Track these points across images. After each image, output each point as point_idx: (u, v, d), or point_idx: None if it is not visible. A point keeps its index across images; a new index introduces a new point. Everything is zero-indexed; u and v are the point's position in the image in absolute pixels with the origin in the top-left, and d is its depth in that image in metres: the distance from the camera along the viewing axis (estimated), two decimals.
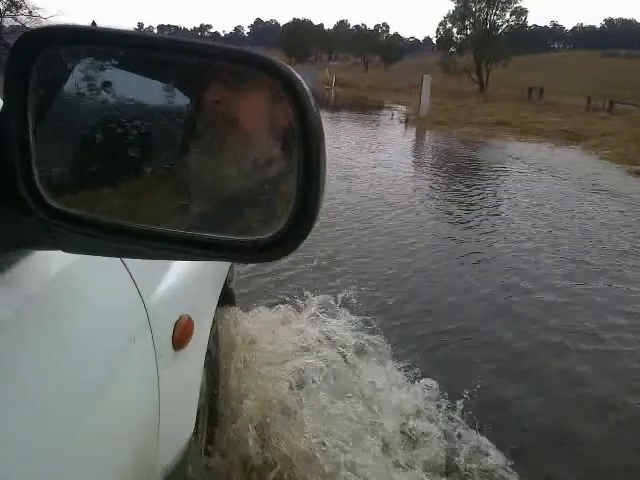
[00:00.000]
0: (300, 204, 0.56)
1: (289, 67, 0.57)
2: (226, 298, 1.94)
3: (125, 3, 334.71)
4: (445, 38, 36.40)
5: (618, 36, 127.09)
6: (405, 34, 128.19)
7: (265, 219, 0.60)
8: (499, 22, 35.41)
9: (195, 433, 1.29)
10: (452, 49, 37.34)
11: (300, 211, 0.56)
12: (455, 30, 36.18)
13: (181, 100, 0.63)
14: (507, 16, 35.31)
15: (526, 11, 34.89)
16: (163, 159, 0.62)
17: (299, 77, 0.57)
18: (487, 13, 35.19)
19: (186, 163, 0.63)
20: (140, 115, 0.61)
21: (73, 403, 0.71)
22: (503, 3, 34.63)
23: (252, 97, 0.61)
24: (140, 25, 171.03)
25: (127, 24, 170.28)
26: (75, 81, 0.61)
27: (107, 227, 0.61)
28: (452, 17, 35.79)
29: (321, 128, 0.56)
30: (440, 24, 36.48)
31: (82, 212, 0.61)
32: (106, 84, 0.60)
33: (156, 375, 0.96)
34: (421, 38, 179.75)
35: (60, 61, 0.60)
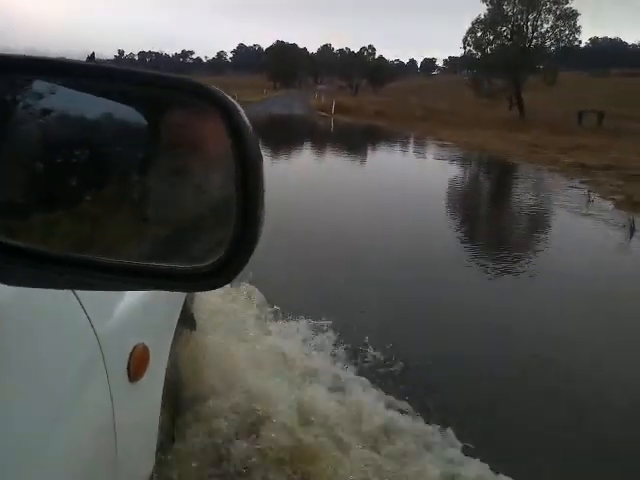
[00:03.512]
0: (239, 232, 0.55)
1: (223, 93, 0.55)
2: (187, 323, 1.81)
3: (104, 30, 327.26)
4: (475, 50, 27.48)
5: (600, 56, 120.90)
6: (389, 57, 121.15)
7: (207, 247, 0.58)
8: (543, 29, 26.53)
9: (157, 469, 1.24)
10: (472, 66, 28.58)
11: (239, 239, 0.55)
12: (487, 39, 27.20)
13: (123, 127, 0.61)
14: (550, 22, 26.38)
15: (577, 14, 26.05)
16: (107, 187, 0.60)
17: (234, 103, 0.55)
18: (526, 18, 26.43)
19: (131, 190, 0.60)
20: (82, 142, 0.59)
21: (21, 444, 0.67)
22: (549, 3, 25.78)
23: (196, 124, 0.59)
24: (120, 52, 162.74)
25: (107, 52, 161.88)
26: (15, 110, 0.59)
27: (54, 260, 0.58)
28: (484, 23, 27.00)
29: (259, 155, 0.55)
30: (469, 32, 27.56)
31: (25, 244, 0.58)
32: (45, 112, 0.59)
33: (111, 409, 0.90)
34: (405, 60, 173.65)
35: (6, 92, 0.58)
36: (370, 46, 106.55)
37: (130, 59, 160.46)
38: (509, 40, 26.94)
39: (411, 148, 17.17)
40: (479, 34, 27.45)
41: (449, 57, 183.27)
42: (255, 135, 0.55)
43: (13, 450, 0.65)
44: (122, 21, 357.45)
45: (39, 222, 0.61)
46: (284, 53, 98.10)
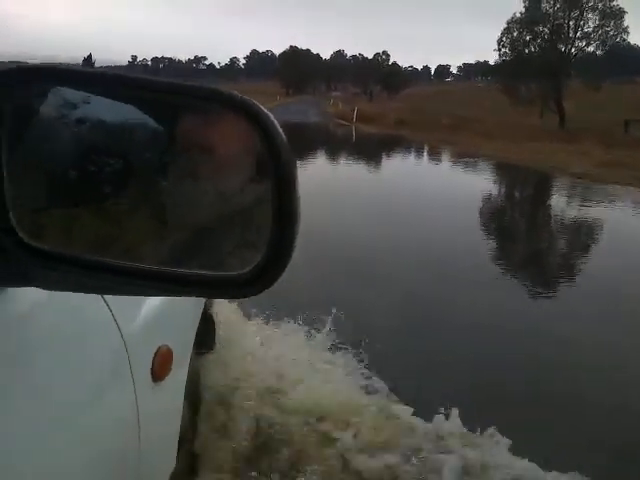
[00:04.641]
0: (275, 238, 0.54)
1: (259, 104, 0.56)
2: (205, 325, 1.79)
3: (118, 36, 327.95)
4: (512, 53, 24.46)
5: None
6: (402, 63, 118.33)
7: (241, 253, 0.59)
8: (586, 29, 23.52)
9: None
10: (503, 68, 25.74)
11: (276, 246, 0.54)
12: (523, 40, 24.22)
13: (154, 135, 0.62)
14: (593, 21, 23.39)
15: (624, 12, 23.07)
16: (137, 193, 0.61)
17: (268, 113, 0.55)
18: (568, 17, 23.46)
19: (160, 197, 0.61)
20: (113, 150, 0.61)
21: (51, 440, 0.69)
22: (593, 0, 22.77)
23: (225, 132, 0.60)
24: (133, 58, 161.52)
25: (120, 57, 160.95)
26: (49, 119, 0.61)
27: (83, 264, 0.59)
28: (520, 22, 24.09)
29: (294, 166, 0.55)
30: (505, 32, 24.62)
31: (58, 249, 0.60)
32: (78, 121, 0.61)
33: (135, 409, 0.92)
34: (419, 67, 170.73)
35: (33, 99, 0.60)
36: (384, 52, 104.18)
37: (143, 65, 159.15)
38: (548, 41, 24.01)
39: (469, 171, 13.01)
40: (515, 34, 24.56)
41: (463, 64, 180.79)
42: (288, 142, 0.54)
43: (39, 449, 0.66)
44: (135, 27, 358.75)
45: (66, 226, 0.62)
46: (297, 59, 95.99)
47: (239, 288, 0.57)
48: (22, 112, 0.59)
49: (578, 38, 23.81)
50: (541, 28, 24.16)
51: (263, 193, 0.55)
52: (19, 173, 0.59)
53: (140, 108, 0.61)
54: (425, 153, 17.28)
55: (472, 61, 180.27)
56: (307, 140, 18.84)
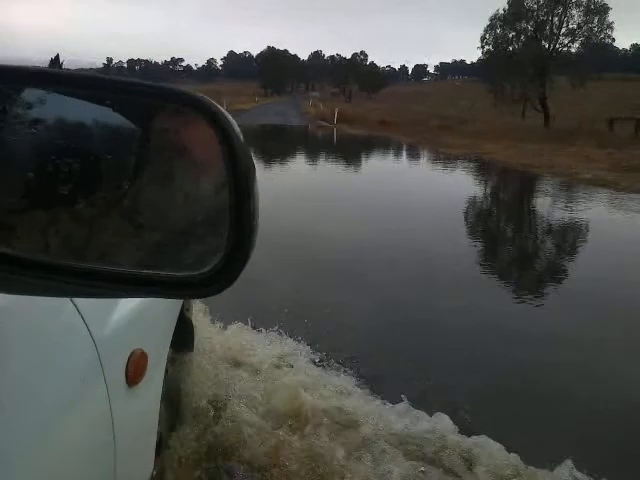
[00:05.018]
0: (233, 239, 0.54)
1: (214, 102, 0.56)
2: (183, 327, 1.72)
3: (93, 38, 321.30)
4: (496, 50, 23.67)
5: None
6: (379, 63, 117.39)
7: (201, 254, 0.58)
8: (570, 26, 22.86)
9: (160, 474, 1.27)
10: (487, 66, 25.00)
11: (234, 247, 0.54)
12: (507, 37, 23.45)
13: (112, 134, 0.62)
14: (576, 17, 22.74)
15: (608, 9, 22.48)
16: (97, 194, 0.61)
17: (222, 110, 0.55)
18: (552, 13, 22.79)
19: (122, 198, 0.60)
20: (71, 150, 0.59)
21: (23, 447, 0.68)
22: None
23: (185, 132, 0.60)
24: (109, 60, 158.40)
25: (95, 59, 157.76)
26: (4, 120, 0.59)
27: (44, 267, 0.58)
28: (505, 19, 23.32)
29: (251, 163, 0.55)
30: (487, 29, 23.85)
31: (18, 252, 0.58)
32: (35, 121, 0.60)
33: (110, 415, 0.90)
34: (396, 67, 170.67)
35: None
36: (362, 52, 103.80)
37: (119, 67, 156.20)
38: (532, 38, 23.33)
39: (482, 180, 11.41)
40: (498, 31, 23.80)
41: (440, 63, 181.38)
42: (245, 142, 0.55)
43: (11, 454, 0.65)
44: (110, 29, 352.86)
45: (33, 230, 0.61)
46: (275, 59, 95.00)
47: (198, 288, 0.57)
48: None
49: (562, 35, 23.15)
50: (524, 25, 23.43)
51: (225, 195, 0.54)
52: None
53: (100, 106, 0.60)
54: (414, 156, 15.72)
55: (449, 60, 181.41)
56: (288, 145, 17.61)
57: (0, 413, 0.67)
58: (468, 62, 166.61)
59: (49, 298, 0.79)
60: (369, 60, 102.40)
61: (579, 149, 13.93)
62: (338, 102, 46.41)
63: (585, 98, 25.15)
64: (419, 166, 13.88)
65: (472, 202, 8.91)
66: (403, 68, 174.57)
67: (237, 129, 0.55)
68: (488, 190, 10.73)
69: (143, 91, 0.59)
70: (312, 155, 15.25)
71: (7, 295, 0.66)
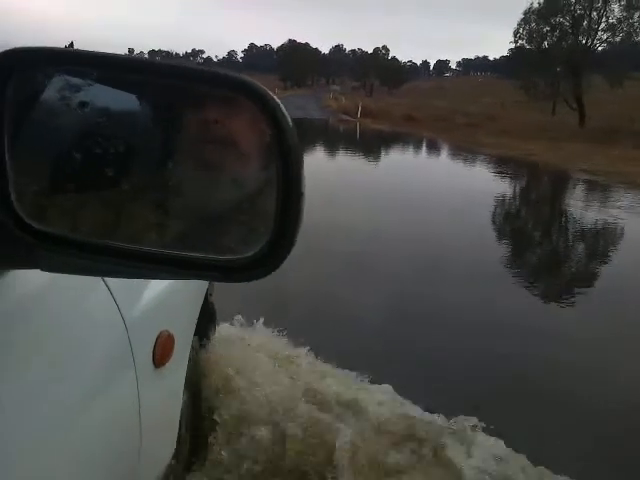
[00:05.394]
0: (279, 224, 0.54)
1: (264, 88, 0.55)
2: (206, 311, 1.75)
3: (115, 29, 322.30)
4: (530, 45, 22.35)
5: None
6: (401, 58, 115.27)
7: (244, 238, 0.58)
8: (610, 21, 21.48)
9: (176, 457, 1.24)
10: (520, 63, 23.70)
11: (279, 231, 0.54)
12: (541, 32, 22.15)
13: (159, 119, 0.61)
14: (616, 12, 21.38)
15: None
16: (142, 177, 0.61)
17: (275, 98, 0.54)
18: (590, 7, 21.45)
19: (165, 181, 0.60)
20: (117, 133, 0.60)
21: (53, 423, 0.69)
22: None
23: (231, 117, 0.59)
24: (130, 50, 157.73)
25: (117, 50, 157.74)
26: (52, 101, 0.59)
27: (86, 247, 0.59)
28: (540, 13, 22.03)
29: (299, 147, 0.54)
30: (522, 23, 22.59)
31: (61, 231, 0.60)
32: (82, 104, 0.59)
33: (137, 394, 0.91)
34: (417, 62, 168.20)
35: (35, 81, 0.59)
36: (384, 46, 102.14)
37: (146, 58, 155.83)
38: (569, 33, 22.05)
39: (546, 190, 9.84)
40: (532, 25, 22.53)
41: (462, 59, 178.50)
42: (294, 125, 0.54)
43: (42, 433, 0.67)
44: (132, 20, 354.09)
45: (70, 210, 0.61)
46: (296, 53, 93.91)
47: (241, 272, 0.56)
48: (26, 95, 0.58)
49: (601, 30, 21.83)
50: (560, 19, 22.14)
51: (270, 179, 0.54)
52: (22, 157, 0.58)
53: (145, 91, 0.60)
54: (465, 161, 13.33)
55: (472, 56, 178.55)
56: (311, 139, 16.66)
57: (31, 392, 0.67)
58: (491, 58, 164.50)
59: (82, 279, 0.79)
60: (391, 55, 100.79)
61: (631, 153, 12.74)
62: (359, 96, 45.37)
63: (620, 96, 23.87)
64: (463, 171, 11.69)
65: (562, 236, 6.94)
66: (425, 63, 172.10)
67: (286, 112, 0.54)
68: (574, 214, 7.89)
69: (187, 74, 0.58)
70: (336, 152, 14.24)
71: (40, 274, 0.65)
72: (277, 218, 0.53)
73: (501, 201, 8.64)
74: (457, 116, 22.52)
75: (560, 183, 10.75)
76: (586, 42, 22.10)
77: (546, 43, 22.39)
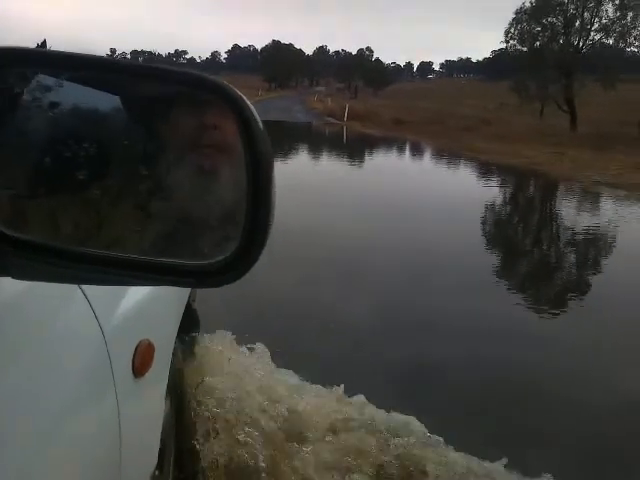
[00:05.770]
0: (249, 228, 0.53)
1: (238, 92, 0.54)
2: (189, 319, 1.72)
3: (95, 29, 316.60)
4: (521, 46, 21.64)
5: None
6: (384, 59, 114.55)
7: (217, 243, 0.57)
8: (603, 21, 20.82)
9: (161, 467, 1.22)
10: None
11: (249, 235, 0.53)
12: (533, 32, 21.40)
13: (134, 120, 0.60)
14: (610, 12, 20.73)
15: None
16: (116, 181, 0.59)
17: (248, 103, 0.54)
18: (582, 7, 20.80)
19: (139, 184, 0.58)
20: (90, 135, 0.58)
21: (30, 436, 0.66)
22: None
23: (206, 120, 0.59)
24: (112, 51, 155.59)
25: (98, 50, 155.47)
26: (24, 103, 0.58)
27: (60, 253, 0.57)
28: (531, 13, 21.27)
29: (270, 153, 0.54)
30: (513, 23, 21.83)
31: (34, 238, 0.57)
32: (53, 105, 0.58)
33: (116, 405, 0.89)
34: (401, 63, 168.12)
35: (5, 83, 0.56)
36: (368, 48, 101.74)
37: (122, 58, 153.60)
38: (561, 34, 21.37)
39: (572, 210, 8.31)
40: (524, 25, 21.80)
41: (445, 60, 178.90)
42: (265, 130, 0.54)
43: (17, 446, 0.64)
44: (114, 19, 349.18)
45: (45, 215, 0.59)
46: (280, 53, 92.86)
47: (213, 277, 0.56)
48: None
49: (594, 30, 21.19)
50: (552, 19, 21.46)
51: (242, 184, 0.53)
52: None
53: (121, 92, 0.58)
54: (468, 171, 12.22)
55: (455, 58, 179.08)
56: (296, 146, 15.62)
57: (7, 402, 0.65)
58: (474, 60, 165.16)
59: (58, 287, 0.77)
60: (374, 56, 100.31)
61: (629, 158, 12.02)
62: (344, 98, 44.52)
63: (612, 98, 23.27)
64: (472, 189, 9.88)
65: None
66: (408, 65, 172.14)
67: (258, 117, 0.53)
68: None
69: (163, 76, 0.57)
70: (324, 162, 12.95)
71: (15, 282, 0.63)
72: (247, 223, 0.53)
73: (524, 236, 7.32)
74: (449, 119, 21.72)
75: (585, 203, 9.17)
76: (578, 43, 21.45)
77: (538, 43, 21.63)
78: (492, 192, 9.55)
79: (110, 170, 0.58)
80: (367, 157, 14.96)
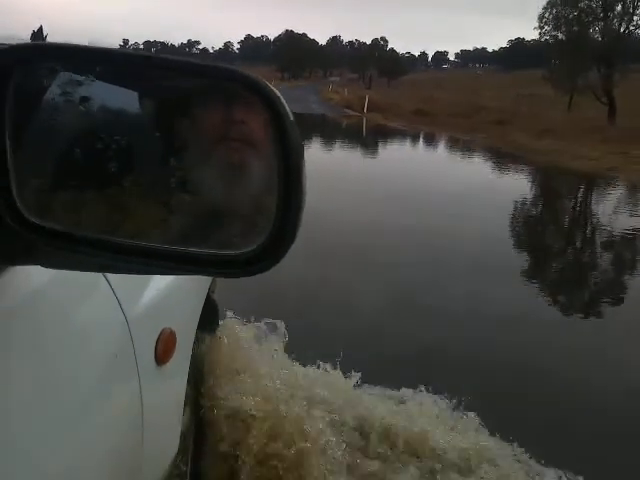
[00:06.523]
0: (281, 219, 0.54)
1: (269, 85, 0.54)
2: (208, 309, 1.65)
3: (109, 19, 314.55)
4: (556, 32, 19.78)
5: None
6: (398, 49, 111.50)
7: (246, 233, 0.57)
8: None
9: (182, 454, 1.21)
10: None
11: (281, 226, 0.54)
12: (568, 16, 19.54)
13: (162, 114, 0.60)
14: None
15: None
16: (144, 173, 0.60)
17: (278, 94, 0.54)
18: None
19: (167, 177, 0.58)
20: (119, 129, 0.59)
21: (55, 421, 0.68)
22: None
23: (234, 114, 0.59)
24: (125, 42, 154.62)
25: (112, 41, 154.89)
26: (53, 97, 0.58)
27: (88, 242, 0.58)
28: None
29: (300, 145, 0.54)
30: (547, 6, 19.90)
31: (62, 227, 0.59)
32: (84, 99, 0.58)
33: (139, 391, 0.90)
34: (416, 53, 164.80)
35: (37, 77, 0.58)
36: (383, 37, 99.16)
37: (135, 49, 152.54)
38: (600, 19, 19.48)
39: None
40: (560, 9, 19.88)
41: (461, 50, 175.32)
42: (296, 125, 0.54)
43: (42, 430, 0.65)
44: (127, 9, 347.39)
45: (72, 206, 0.60)
46: (293, 43, 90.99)
47: (240, 268, 0.56)
48: (27, 91, 0.57)
49: (638, 15, 19.19)
50: (590, 2, 19.50)
51: (273, 176, 0.53)
52: (24, 153, 0.57)
53: (148, 87, 0.59)
54: (536, 185, 9.58)
55: (470, 48, 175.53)
56: (318, 142, 14.05)
57: (32, 390, 0.66)
58: (489, 50, 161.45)
59: (85, 275, 0.77)
60: (389, 46, 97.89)
61: None
62: (357, 88, 42.76)
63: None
64: (559, 206, 7.82)
65: None
66: (423, 55, 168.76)
67: (290, 113, 0.53)
68: None
69: (192, 70, 0.57)
70: (344, 162, 10.98)
71: (41, 270, 0.65)
72: (278, 212, 0.53)
73: None
74: (474, 111, 20.00)
75: None
76: (619, 27, 19.51)
77: (575, 29, 19.69)
78: (599, 221, 6.98)
79: (138, 163, 0.58)
80: (391, 152, 13.22)
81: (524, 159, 11.51)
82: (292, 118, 0.53)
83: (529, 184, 9.72)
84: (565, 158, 10.92)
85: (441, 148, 14.31)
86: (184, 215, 0.59)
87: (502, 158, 12.01)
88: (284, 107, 0.53)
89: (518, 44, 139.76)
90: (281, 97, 0.53)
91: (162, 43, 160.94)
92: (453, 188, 8.12)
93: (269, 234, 0.53)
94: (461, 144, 14.43)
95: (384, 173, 9.76)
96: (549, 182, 9.95)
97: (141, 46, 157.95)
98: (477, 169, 11.20)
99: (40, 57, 0.58)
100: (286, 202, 0.53)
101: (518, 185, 9.20)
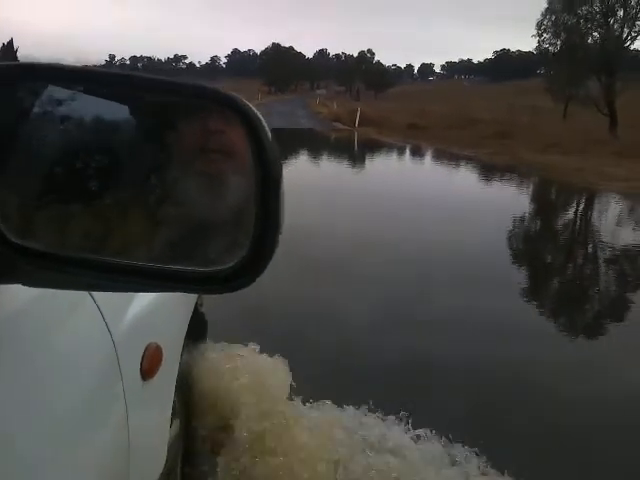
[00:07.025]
0: (259, 236, 0.54)
1: (248, 103, 0.55)
2: (196, 322, 1.68)
3: (94, 35, 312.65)
4: (554, 39, 18.81)
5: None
6: (385, 62, 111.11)
7: (227, 249, 0.57)
8: None
9: (168, 471, 1.20)
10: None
11: (259, 243, 0.54)
12: (567, 24, 18.54)
13: (144, 132, 0.61)
14: None
15: None
16: (126, 190, 0.60)
17: (257, 113, 0.55)
18: None
19: (147, 192, 0.59)
20: (100, 147, 0.59)
21: (39, 439, 0.67)
22: None
23: (214, 131, 0.60)
24: (111, 57, 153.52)
25: (97, 57, 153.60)
26: (34, 116, 0.59)
27: (71, 262, 0.58)
28: (566, 2, 18.30)
29: (279, 162, 0.55)
30: (546, 13, 18.92)
31: (44, 246, 0.58)
32: (65, 118, 0.60)
33: (124, 408, 0.89)
34: (402, 65, 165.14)
35: (18, 97, 0.58)
36: (369, 50, 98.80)
37: (122, 64, 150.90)
38: (600, 26, 18.49)
39: None
40: (558, 15, 18.88)
41: (446, 62, 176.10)
42: (275, 141, 0.54)
43: (26, 449, 0.65)
44: (113, 25, 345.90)
45: (54, 224, 0.60)
46: (279, 57, 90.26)
47: (220, 284, 0.56)
48: (8, 109, 0.57)
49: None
50: (589, 8, 18.52)
51: (251, 191, 0.54)
52: (4, 171, 0.57)
53: (130, 105, 0.60)
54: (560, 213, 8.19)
55: (455, 59, 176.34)
56: (309, 162, 12.78)
57: (16, 407, 0.66)
58: (475, 61, 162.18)
59: (68, 292, 0.78)
60: (375, 59, 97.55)
61: None
62: (345, 101, 41.75)
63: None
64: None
65: None
66: (409, 67, 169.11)
67: (267, 128, 0.54)
68: None
69: (171, 89, 0.58)
70: (335, 182, 9.45)
71: (25, 288, 0.65)
72: (256, 230, 0.53)
73: None
74: (469, 123, 18.86)
75: None
76: (620, 34, 18.53)
77: (574, 37, 18.68)
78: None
79: (119, 179, 0.58)
80: (387, 171, 11.84)
81: (540, 179, 10.25)
82: (268, 131, 0.53)
83: (559, 215, 8.14)
84: (592, 178, 9.63)
85: (462, 171, 12.08)
86: (165, 231, 0.59)
87: (514, 178, 10.56)
88: (265, 131, 0.53)
89: (503, 55, 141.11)
90: (262, 119, 0.54)
91: (149, 58, 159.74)
92: (500, 235, 5.93)
93: (248, 250, 0.53)
94: (467, 160, 13.08)
95: (410, 207, 7.33)
96: (614, 216, 7.73)
97: (127, 61, 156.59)
98: (520, 201, 8.56)
99: (20, 76, 0.58)
100: (264, 220, 0.53)
101: (595, 224, 7.28)
